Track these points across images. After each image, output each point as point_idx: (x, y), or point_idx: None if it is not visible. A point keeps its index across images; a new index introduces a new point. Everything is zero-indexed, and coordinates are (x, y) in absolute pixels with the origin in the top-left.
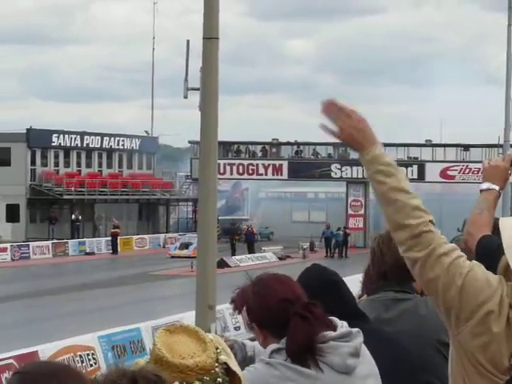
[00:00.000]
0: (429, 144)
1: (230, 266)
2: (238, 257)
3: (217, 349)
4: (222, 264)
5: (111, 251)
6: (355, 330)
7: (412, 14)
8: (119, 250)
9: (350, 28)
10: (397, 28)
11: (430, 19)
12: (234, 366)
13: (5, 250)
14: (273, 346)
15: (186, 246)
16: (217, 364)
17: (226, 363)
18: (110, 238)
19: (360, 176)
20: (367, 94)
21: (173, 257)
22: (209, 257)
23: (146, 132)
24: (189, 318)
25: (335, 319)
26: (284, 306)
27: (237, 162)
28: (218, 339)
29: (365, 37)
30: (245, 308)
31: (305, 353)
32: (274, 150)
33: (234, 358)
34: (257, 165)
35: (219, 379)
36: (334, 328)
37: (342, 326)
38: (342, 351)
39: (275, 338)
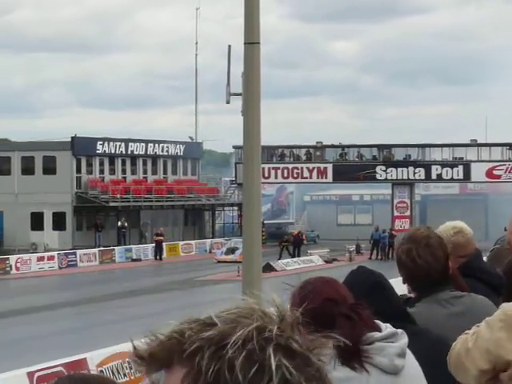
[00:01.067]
0: (474, 144)
1: (276, 270)
2: (284, 260)
3: None
4: (268, 268)
5: (154, 258)
6: (399, 330)
7: (457, 13)
8: (165, 256)
9: (394, 29)
10: (441, 28)
11: (475, 18)
12: None
13: (52, 258)
14: None
15: (232, 250)
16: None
17: None
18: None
19: (405, 177)
20: (412, 94)
21: (219, 262)
22: (254, 261)
23: (191, 138)
24: None
25: (379, 322)
26: (329, 306)
27: (281, 165)
28: None
29: (409, 37)
30: None
31: (352, 353)
32: (318, 153)
33: None
34: (301, 168)
35: None
36: (378, 329)
37: (386, 327)
38: (388, 352)
39: None
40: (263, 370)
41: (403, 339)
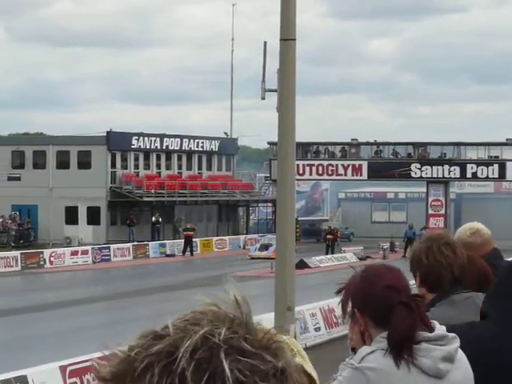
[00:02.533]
0: (510, 143)
1: (309, 267)
2: (317, 257)
3: (292, 351)
4: (301, 265)
5: (182, 253)
6: (452, 334)
7: (493, 11)
8: (199, 251)
9: (432, 27)
10: (478, 26)
11: None
12: (309, 368)
13: (86, 252)
14: (366, 350)
15: (265, 247)
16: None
17: (301, 365)
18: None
19: (440, 175)
20: (448, 92)
21: (253, 258)
22: (288, 258)
23: (226, 133)
24: (268, 319)
25: (435, 322)
26: (389, 292)
27: (316, 162)
28: (294, 341)
29: (446, 35)
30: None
31: (407, 342)
32: (353, 150)
33: (308, 360)
34: (336, 165)
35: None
36: (430, 328)
37: (441, 328)
38: (434, 354)
39: (376, 327)
40: (215, 376)
41: (454, 344)
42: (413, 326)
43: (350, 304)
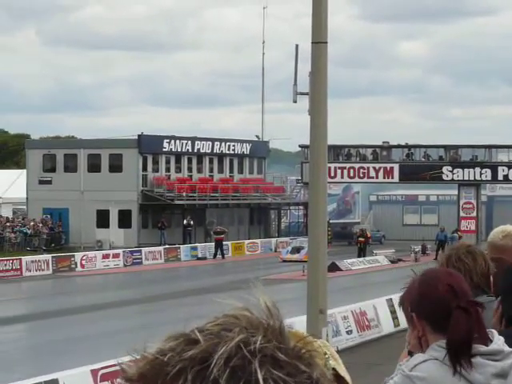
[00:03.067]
0: None
1: (341, 270)
2: (349, 260)
3: (325, 354)
4: (333, 268)
5: (213, 257)
6: (508, 349)
7: None
8: (230, 254)
9: (463, 29)
10: (509, 28)
11: None
12: (343, 371)
13: (117, 255)
14: (419, 358)
15: (297, 250)
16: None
17: (334, 369)
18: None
19: (472, 178)
20: (479, 95)
21: (284, 261)
22: (319, 261)
23: (257, 136)
24: (300, 322)
25: (494, 332)
26: (448, 297)
27: (347, 165)
28: (327, 344)
29: (477, 38)
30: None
31: (465, 349)
32: (384, 152)
33: (342, 363)
34: (368, 168)
35: None
36: (486, 340)
37: (498, 341)
38: (487, 371)
39: (433, 333)
40: None
41: (509, 359)
42: (470, 332)
43: (409, 308)
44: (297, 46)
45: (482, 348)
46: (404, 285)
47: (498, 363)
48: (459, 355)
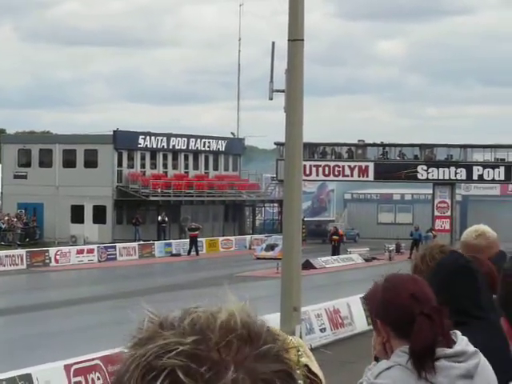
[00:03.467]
0: None
1: (315, 268)
2: (323, 258)
3: (298, 351)
4: (307, 265)
5: (187, 253)
6: (472, 350)
7: (501, 13)
8: (205, 251)
9: (440, 28)
10: (486, 28)
11: None
12: (315, 368)
13: (92, 251)
14: (383, 366)
15: (271, 247)
16: (297, 366)
17: (307, 365)
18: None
19: (446, 177)
20: (456, 94)
21: (259, 258)
22: (294, 258)
23: (232, 134)
24: (274, 319)
25: (457, 333)
26: (412, 303)
27: (323, 163)
28: (300, 341)
29: (453, 37)
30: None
31: (428, 355)
32: (359, 151)
33: (315, 360)
34: (343, 166)
35: (300, 381)
36: (450, 342)
37: (461, 342)
38: (451, 373)
39: (397, 338)
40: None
41: (474, 359)
42: (434, 338)
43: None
44: (273, 43)
45: (446, 350)
46: (367, 290)
47: (462, 364)
48: (422, 361)
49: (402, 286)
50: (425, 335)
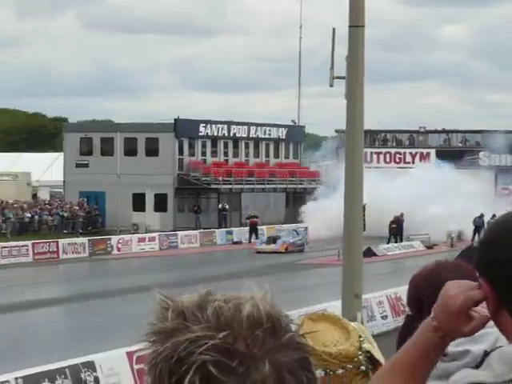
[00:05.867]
0: None
1: (377, 255)
2: (385, 245)
3: (360, 337)
4: (369, 253)
5: (248, 241)
6: (455, 350)
7: None
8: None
9: (505, 12)
10: None
11: None
12: (378, 354)
13: (153, 239)
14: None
15: (273, 240)
16: (360, 352)
17: (369, 352)
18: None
19: (509, 164)
20: None
21: (259, 252)
22: (355, 245)
23: (293, 121)
24: (335, 307)
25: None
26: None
27: (384, 150)
28: (362, 327)
29: None
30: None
31: None
32: (421, 138)
33: (377, 346)
34: (404, 153)
35: (362, 367)
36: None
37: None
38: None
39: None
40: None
41: (457, 361)
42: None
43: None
44: (334, 29)
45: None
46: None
47: (441, 364)
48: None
49: (443, 275)
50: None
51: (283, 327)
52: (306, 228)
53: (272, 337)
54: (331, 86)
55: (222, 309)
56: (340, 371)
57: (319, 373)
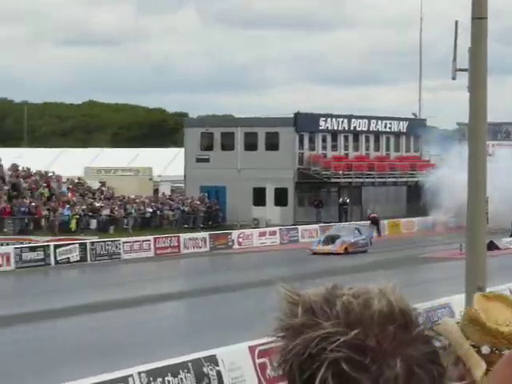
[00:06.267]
0: None
1: (499, 248)
2: (508, 239)
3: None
4: (491, 246)
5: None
6: None
7: None
8: (387, 232)
9: None
10: None
11: None
12: None
13: (274, 233)
14: None
15: (332, 239)
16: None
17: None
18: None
19: None
20: None
21: (315, 254)
22: (478, 238)
23: (414, 114)
24: (457, 301)
25: None
26: None
27: (506, 143)
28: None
29: None
30: None
31: None
32: None
33: None
34: None
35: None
36: None
37: None
38: None
39: None
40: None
41: None
42: None
43: None
44: (456, 22)
45: None
46: None
47: None
48: None
49: None
50: None
51: (414, 321)
52: (373, 225)
53: (403, 331)
54: (454, 78)
55: (352, 304)
56: (505, 351)
57: (485, 349)
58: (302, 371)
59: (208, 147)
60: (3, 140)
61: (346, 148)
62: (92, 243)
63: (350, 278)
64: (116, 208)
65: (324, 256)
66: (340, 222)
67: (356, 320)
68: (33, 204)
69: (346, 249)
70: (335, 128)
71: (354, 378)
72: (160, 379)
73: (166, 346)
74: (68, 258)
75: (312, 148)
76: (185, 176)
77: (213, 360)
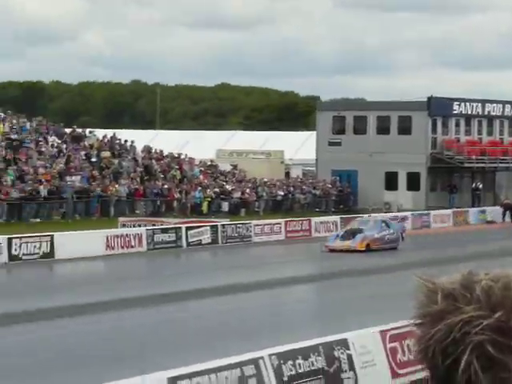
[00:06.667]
0: None
1: None
2: None
3: None
4: None
5: (502, 220)
6: None
7: None
8: None
9: None
10: None
11: None
12: None
13: (406, 218)
14: None
15: (352, 233)
16: None
17: None
18: None
19: None
20: None
21: (332, 251)
22: None
23: None
24: None
25: None
26: None
27: None
28: None
29: None
30: None
31: None
32: None
33: None
34: None
35: None
36: None
37: None
38: None
39: None
40: None
41: None
42: None
43: None
44: None
45: None
46: None
47: None
48: None
49: None
50: None
51: None
52: (404, 218)
53: None
54: None
55: (492, 288)
56: None
57: None
58: (446, 356)
59: (340, 131)
60: (136, 122)
61: (480, 133)
62: (223, 226)
63: (484, 264)
64: (247, 191)
65: (461, 242)
66: (473, 207)
67: (498, 303)
68: (165, 186)
69: (367, 245)
70: (469, 112)
71: (499, 359)
72: (291, 362)
73: (298, 329)
74: (200, 240)
75: (445, 132)
76: (316, 159)
77: (344, 343)
